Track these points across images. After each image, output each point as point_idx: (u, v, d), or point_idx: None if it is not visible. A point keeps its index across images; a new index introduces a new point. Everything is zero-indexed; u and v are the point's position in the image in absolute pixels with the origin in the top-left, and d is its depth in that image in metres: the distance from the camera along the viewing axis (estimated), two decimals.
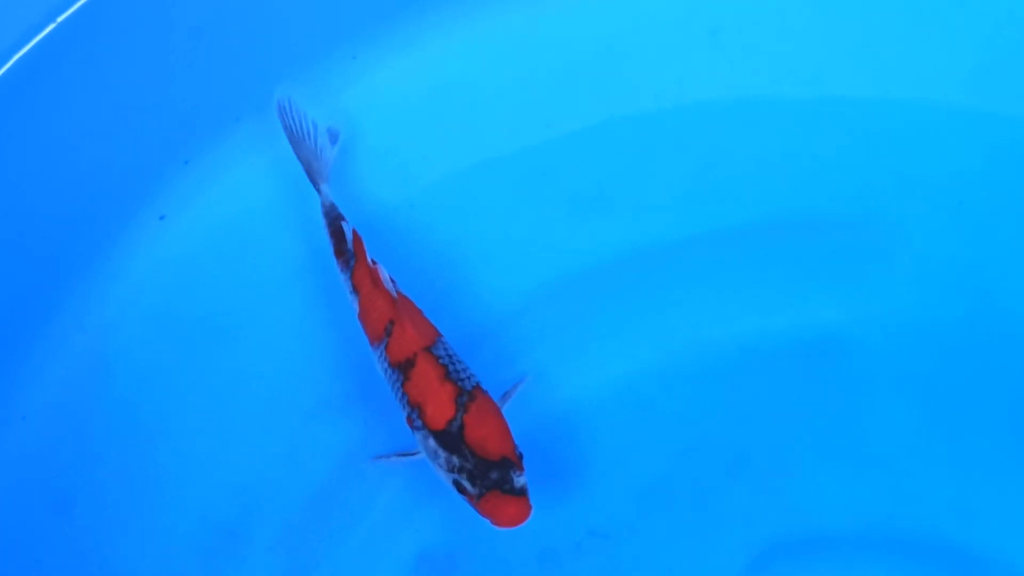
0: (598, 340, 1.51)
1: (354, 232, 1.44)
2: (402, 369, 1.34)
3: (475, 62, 1.61)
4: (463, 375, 1.33)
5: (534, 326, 1.51)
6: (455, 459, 1.28)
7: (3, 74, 1.50)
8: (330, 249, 1.44)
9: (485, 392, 1.34)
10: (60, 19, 1.50)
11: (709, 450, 1.46)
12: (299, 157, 1.48)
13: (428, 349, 1.34)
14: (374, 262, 1.40)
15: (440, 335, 1.36)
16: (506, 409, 1.38)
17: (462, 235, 1.54)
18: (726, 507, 1.43)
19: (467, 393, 1.31)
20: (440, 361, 1.33)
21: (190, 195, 1.54)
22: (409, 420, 1.33)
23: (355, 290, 1.40)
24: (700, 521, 1.43)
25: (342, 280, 1.42)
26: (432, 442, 1.30)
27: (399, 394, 1.35)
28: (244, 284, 1.53)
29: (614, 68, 1.59)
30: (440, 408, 1.30)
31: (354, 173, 1.57)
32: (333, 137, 1.53)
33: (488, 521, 1.27)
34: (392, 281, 1.38)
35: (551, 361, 1.50)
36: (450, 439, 1.29)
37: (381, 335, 1.36)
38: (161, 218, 1.55)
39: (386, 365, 1.36)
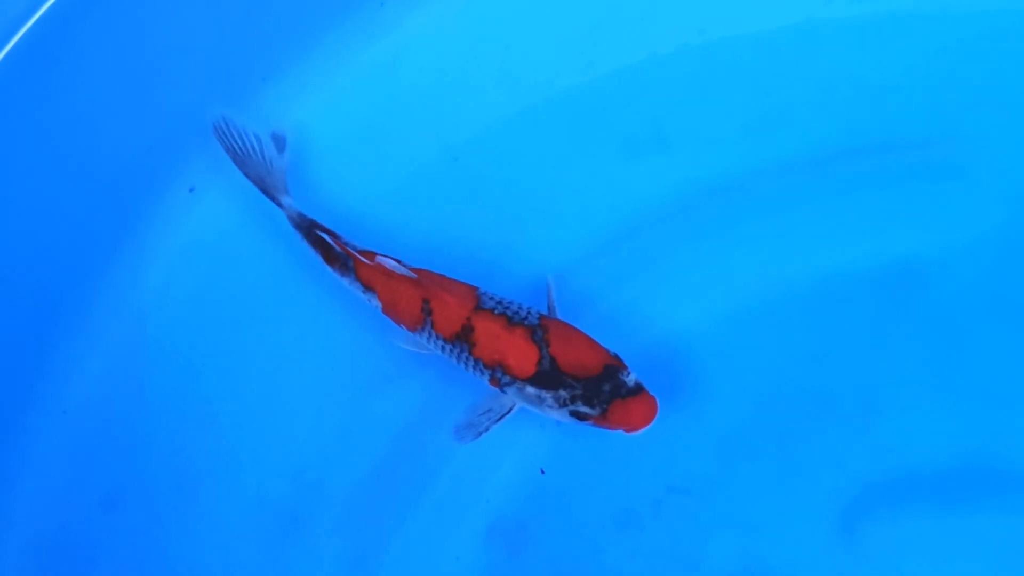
0: (664, 288, 1.44)
1: (333, 235, 1.37)
2: (462, 339, 1.30)
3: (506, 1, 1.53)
4: (523, 312, 1.30)
5: (594, 279, 1.45)
6: (562, 392, 1.26)
7: (11, 51, 1.44)
8: (318, 260, 1.38)
9: (550, 316, 1.31)
10: None
11: (791, 394, 1.39)
12: (248, 176, 1.42)
13: (478, 308, 1.30)
14: (371, 252, 1.35)
15: (478, 288, 1.32)
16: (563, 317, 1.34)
17: (511, 189, 1.48)
18: (814, 453, 1.37)
19: (538, 327, 1.28)
20: (496, 312, 1.29)
21: (219, 163, 1.46)
22: (494, 381, 1.30)
23: (369, 288, 1.35)
24: (787, 470, 1.38)
25: (346, 284, 1.38)
26: (531, 389, 1.27)
27: (469, 363, 1.31)
28: (283, 256, 1.46)
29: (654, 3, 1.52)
30: (523, 355, 1.27)
31: (391, 128, 1.51)
32: (280, 142, 1.44)
33: (623, 431, 1.26)
34: (399, 261, 1.33)
35: (615, 313, 1.44)
36: (547, 377, 1.26)
37: (420, 318, 1.32)
38: (191, 190, 1.49)
39: (442, 343, 1.32)
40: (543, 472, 1.39)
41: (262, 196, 1.43)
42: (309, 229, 1.38)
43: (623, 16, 1.51)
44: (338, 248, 1.36)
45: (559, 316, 1.36)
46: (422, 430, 1.42)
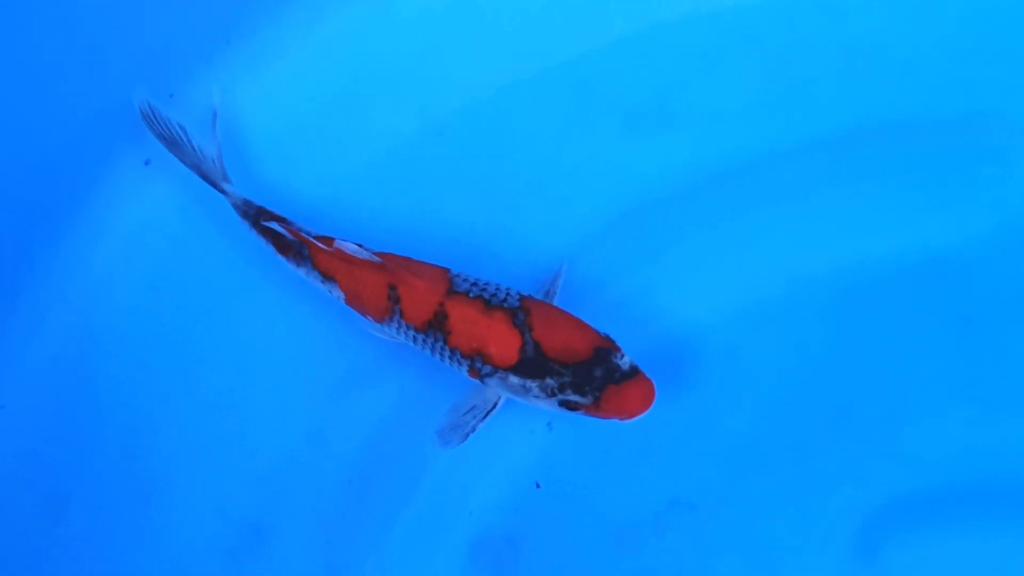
0: (669, 280, 1.36)
1: (283, 221, 1.29)
2: (435, 327, 1.22)
3: None
4: (501, 294, 1.22)
5: (592, 268, 1.36)
6: (549, 381, 1.19)
7: None
8: (270, 251, 1.30)
9: (533, 297, 1.24)
10: None
11: (807, 399, 1.33)
12: (186, 165, 1.34)
13: (451, 291, 1.22)
14: (328, 238, 1.27)
15: (449, 270, 1.25)
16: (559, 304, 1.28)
17: (502, 167, 1.40)
18: (831, 465, 1.31)
19: (519, 310, 1.20)
20: (471, 295, 1.22)
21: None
22: (473, 372, 1.22)
23: (328, 277, 1.27)
24: (801, 483, 1.31)
25: (303, 275, 1.29)
26: (514, 379, 1.20)
27: (445, 354, 1.23)
28: (247, 239, 1.35)
29: None
30: (504, 341, 1.19)
31: (364, 100, 1.42)
32: (212, 125, 1.35)
33: (619, 419, 1.20)
34: (360, 245, 1.25)
35: (614, 306, 1.35)
36: (532, 365, 1.19)
37: (387, 307, 1.24)
38: (146, 163, 1.40)
39: (412, 333, 1.24)
40: (538, 486, 1.32)
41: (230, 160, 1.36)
42: (256, 217, 1.30)
43: None
44: (290, 236, 1.27)
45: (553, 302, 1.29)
46: (400, 433, 1.34)
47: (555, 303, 1.28)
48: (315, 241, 1.25)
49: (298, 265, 1.28)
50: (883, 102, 1.37)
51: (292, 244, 1.28)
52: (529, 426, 1.33)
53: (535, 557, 1.30)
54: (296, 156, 1.40)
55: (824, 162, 1.37)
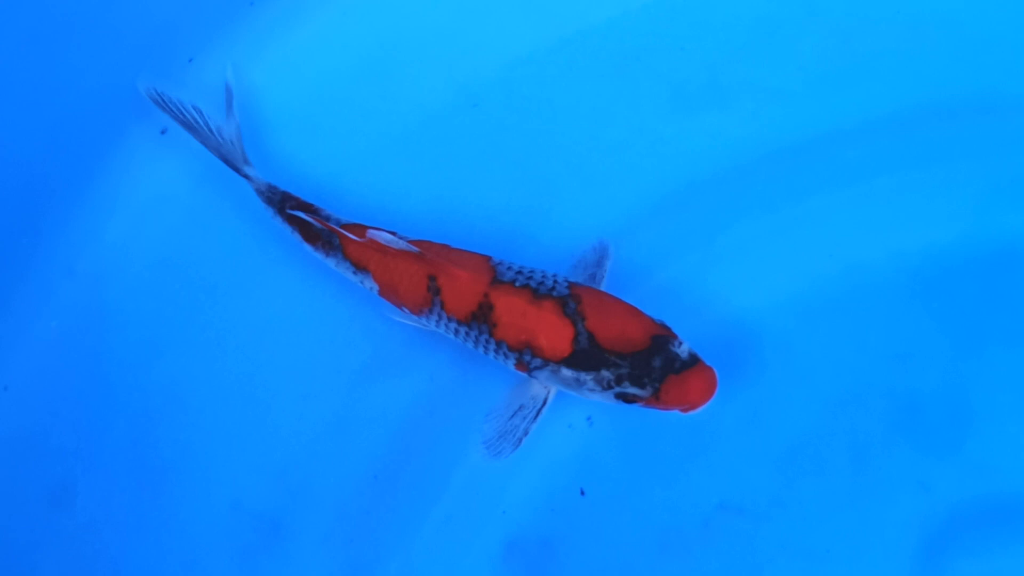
0: (719, 266, 1.30)
1: (311, 209, 1.24)
2: (479, 319, 1.16)
3: None
4: (549, 282, 1.17)
5: (637, 253, 1.30)
6: (605, 373, 1.13)
7: None
8: (295, 238, 1.25)
9: (583, 284, 1.19)
10: None
11: (867, 399, 1.26)
12: (207, 147, 1.29)
13: (495, 280, 1.16)
14: (360, 226, 1.22)
15: (491, 257, 1.20)
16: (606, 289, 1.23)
17: (540, 143, 1.34)
18: (892, 470, 1.24)
19: (569, 298, 1.15)
20: (518, 284, 1.16)
21: (198, 97, 1.30)
22: (521, 366, 1.17)
23: (361, 268, 1.22)
24: (860, 489, 1.25)
25: (332, 265, 1.24)
26: (567, 372, 1.14)
27: (490, 347, 1.18)
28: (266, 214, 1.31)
29: None
30: (555, 332, 1.14)
31: (391, 71, 1.36)
32: (228, 104, 1.29)
33: (680, 411, 1.15)
34: (394, 234, 1.20)
35: (660, 294, 1.29)
36: (586, 356, 1.13)
37: (426, 299, 1.18)
38: (163, 132, 1.35)
39: (455, 326, 1.18)
40: (583, 493, 1.26)
41: (244, 137, 1.30)
42: (282, 204, 1.24)
43: None
44: (319, 224, 1.21)
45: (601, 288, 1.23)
46: (429, 424, 1.28)
47: (603, 288, 1.21)
48: (346, 232, 1.19)
49: (327, 255, 1.22)
50: (954, 80, 1.32)
51: (321, 233, 1.22)
52: (568, 420, 1.26)
53: (572, 561, 1.24)
54: (320, 128, 1.35)
55: (887, 144, 1.31)
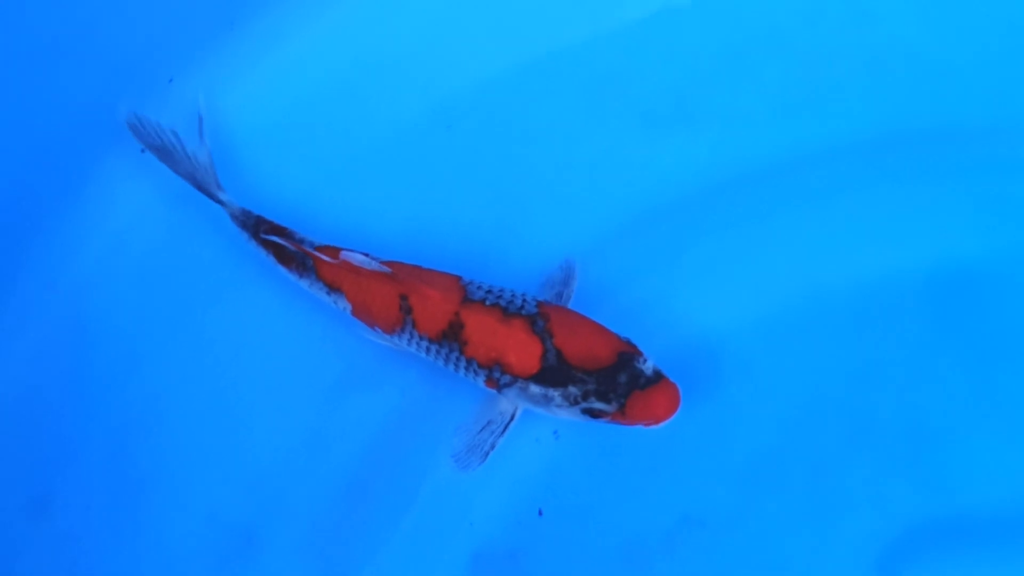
0: (684, 286, 1.31)
1: (284, 232, 1.25)
2: (450, 338, 1.18)
3: None
4: (519, 301, 1.19)
5: (605, 272, 1.32)
6: (572, 389, 1.15)
7: None
8: (269, 261, 1.27)
9: (551, 303, 1.21)
10: None
11: (827, 416, 1.27)
12: (181, 175, 1.30)
13: (466, 299, 1.18)
14: (333, 248, 1.24)
15: (461, 277, 1.21)
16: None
17: (512, 163, 1.36)
18: (850, 486, 1.25)
19: (537, 316, 1.17)
20: (488, 303, 1.18)
21: (177, 119, 1.32)
22: (491, 382, 1.19)
23: (335, 288, 1.23)
24: (818, 504, 1.25)
25: (306, 286, 1.26)
26: (535, 389, 1.17)
27: (461, 365, 1.20)
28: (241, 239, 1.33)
29: None
30: (524, 349, 1.16)
31: (365, 92, 1.39)
32: (200, 130, 1.30)
33: (644, 425, 1.17)
34: (368, 255, 1.21)
35: (627, 312, 1.30)
36: (554, 373, 1.16)
37: (398, 318, 1.20)
38: (143, 151, 1.34)
39: (426, 344, 1.19)
40: (541, 513, 1.27)
41: (223, 154, 1.34)
42: (256, 228, 1.26)
43: None
44: (292, 247, 1.23)
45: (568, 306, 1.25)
46: (400, 439, 1.29)
47: (570, 306, 1.24)
48: (319, 254, 1.21)
49: (301, 276, 1.24)
50: (912, 108, 1.34)
51: (295, 255, 1.24)
52: (535, 434, 1.28)
53: (537, 573, 1.25)
54: (298, 149, 1.37)
55: (849, 168, 1.33)
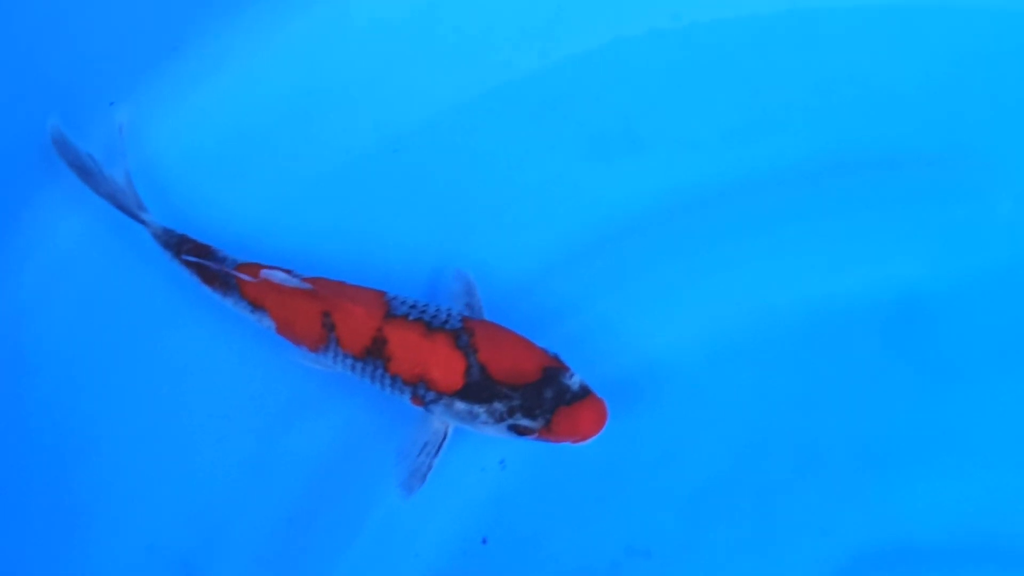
0: (631, 312, 1.31)
1: (206, 251, 1.24)
2: (374, 353, 1.17)
3: None
4: (443, 315, 1.18)
5: (551, 298, 1.31)
6: (497, 405, 1.14)
7: None
8: (193, 281, 1.25)
9: (474, 318, 1.20)
10: None
11: (772, 444, 1.28)
12: (101, 196, 1.28)
13: (389, 315, 1.17)
14: (255, 265, 1.22)
15: (386, 292, 1.21)
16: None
17: (458, 188, 1.34)
18: (796, 515, 1.26)
19: (462, 331, 1.16)
20: (411, 318, 1.17)
21: (117, 142, 1.30)
22: (416, 399, 1.18)
23: (258, 306, 1.22)
24: (764, 533, 1.26)
25: (230, 305, 1.24)
26: (460, 405, 1.16)
27: (386, 382, 1.19)
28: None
29: None
30: (447, 365, 1.15)
31: (320, 115, 1.36)
32: (120, 149, 1.29)
33: (571, 442, 1.16)
34: (289, 272, 1.21)
35: (574, 338, 1.28)
36: (478, 389, 1.15)
37: (322, 335, 1.19)
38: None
39: (351, 361, 1.19)
40: (485, 542, 1.26)
41: (165, 181, 1.32)
42: (178, 247, 1.25)
43: None
44: (214, 266, 1.22)
45: (484, 317, 1.24)
46: (345, 468, 1.28)
47: (486, 317, 1.23)
48: (238, 273, 1.20)
49: (225, 295, 1.23)
50: (858, 135, 1.34)
51: (218, 274, 1.22)
52: (481, 464, 1.27)
53: None
54: (242, 173, 1.34)
55: (796, 194, 1.33)
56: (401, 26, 1.36)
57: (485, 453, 1.27)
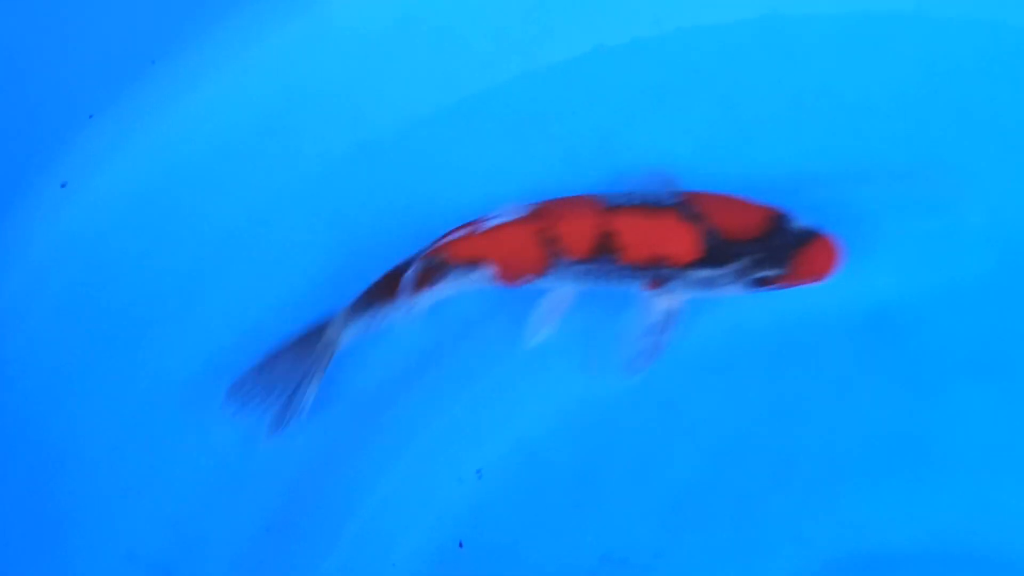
0: (607, 323, 1.28)
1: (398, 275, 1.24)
2: (605, 250, 1.19)
3: None
4: (658, 196, 1.20)
5: (528, 309, 1.27)
6: (738, 264, 1.18)
7: None
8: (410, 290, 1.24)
9: (681, 194, 1.21)
10: None
11: (747, 455, 1.27)
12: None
13: (608, 208, 1.19)
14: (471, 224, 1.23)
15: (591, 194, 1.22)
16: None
17: (433, 198, 1.33)
18: (770, 524, 1.26)
19: (683, 203, 1.20)
20: (632, 204, 1.20)
21: (96, 157, 1.33)
22: (655, 283, 1.20)
23: (478, 260, 1.22)
24: (739, 541, 1.26)
25: (425, 299, 1.24)
26: (702, 273, 1.19)
27: (618, 274, 1.20)
28: (167, 262, 1.34)
29: None
30: (682, 238, 1.18)
31: (296, 124, 1.37)
32: None
33: (812, 282, 1.20)
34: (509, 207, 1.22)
35: (553, 354, 1.28)
36: (717, 252, 1.18)
37: (543, 255, 1.20)
38: (63, 185, 1.35)
39: (582, 268, 1.20)
40: (462, 545, 1.26)
41: (145, 193, 1.34)
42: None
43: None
44: (421, 262, 1.22)
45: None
46: (324, 478, 1.28)
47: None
48: (454, 235, 1.21)
49: (431, 286, 1.23)
50: (828, 148, 1.33)
51: (432, 267, 1.22)
52: (458, 474, 1.27)
53: None
54: (222, 184, 1.35)
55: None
56: (380, 35, 1.37)
57: (462, 463, 1.27)
